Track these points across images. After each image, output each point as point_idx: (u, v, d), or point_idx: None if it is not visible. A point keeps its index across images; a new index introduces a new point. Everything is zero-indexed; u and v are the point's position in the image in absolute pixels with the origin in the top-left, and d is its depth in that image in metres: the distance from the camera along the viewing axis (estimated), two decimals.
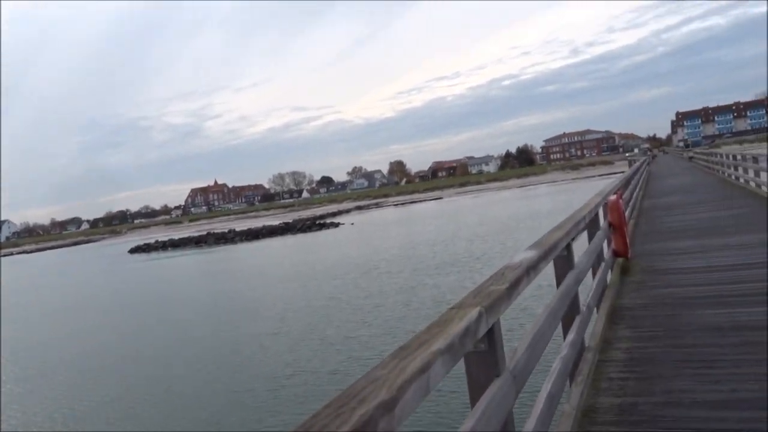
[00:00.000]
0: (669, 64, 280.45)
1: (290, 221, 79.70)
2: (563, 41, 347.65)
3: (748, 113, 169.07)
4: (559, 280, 4.23)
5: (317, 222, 72.53)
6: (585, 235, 6.24)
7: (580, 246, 6.28)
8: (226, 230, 78.75)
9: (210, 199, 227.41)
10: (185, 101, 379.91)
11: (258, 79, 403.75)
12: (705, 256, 7.79)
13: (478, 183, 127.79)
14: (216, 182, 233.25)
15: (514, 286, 2.54)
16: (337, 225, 65.71)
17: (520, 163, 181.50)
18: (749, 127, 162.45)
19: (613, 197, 7.36)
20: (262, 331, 17.21)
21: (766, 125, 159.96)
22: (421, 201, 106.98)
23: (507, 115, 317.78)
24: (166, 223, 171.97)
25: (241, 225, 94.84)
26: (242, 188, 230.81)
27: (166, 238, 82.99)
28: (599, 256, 6.14)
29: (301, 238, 56.90)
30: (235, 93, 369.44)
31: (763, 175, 15.21)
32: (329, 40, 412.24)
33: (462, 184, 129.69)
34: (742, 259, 7.27)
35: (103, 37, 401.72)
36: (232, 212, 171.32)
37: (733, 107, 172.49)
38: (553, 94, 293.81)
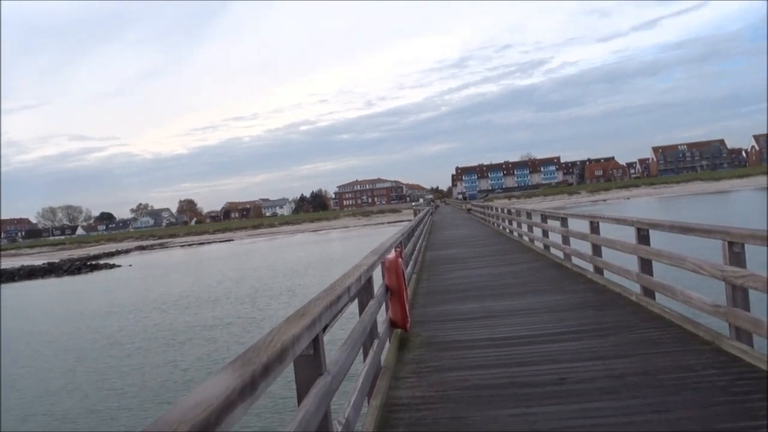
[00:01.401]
0: (451, 122, 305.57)
1: (57, 261, 71.08)
2: (358, 93, 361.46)
3: (516, 171, 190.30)
4: (301, 393, 2.80)
5: (89, 263, 65.57)
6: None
7: (350, 315, 4.98)
8: None
9: None
10: None
11: (31, 102, 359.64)
12: (490, 323, 6.92)
13: (272, 225, 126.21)
14: None
15: None
16: (112, 266, 60.02)
17: (314, 207, 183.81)
18: (516, 184, 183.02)
19: (391, 255, 6.21)
20: None
21: (529, 183, 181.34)
22: (211, 242, 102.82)
23: (303, 160, 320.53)
24: None
25: None
26: (3, 222, 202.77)
27: None
28: (372, 333, 4.85)
29: (68, 281, 51.07)
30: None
31: (536, 230, 15.65)
32: (117, 67, 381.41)
33: (255, 226, 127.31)
34: (529, 329, 6.50)
35: None
36: None
37: (503, 166, 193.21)
38: (348, 142, 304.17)
